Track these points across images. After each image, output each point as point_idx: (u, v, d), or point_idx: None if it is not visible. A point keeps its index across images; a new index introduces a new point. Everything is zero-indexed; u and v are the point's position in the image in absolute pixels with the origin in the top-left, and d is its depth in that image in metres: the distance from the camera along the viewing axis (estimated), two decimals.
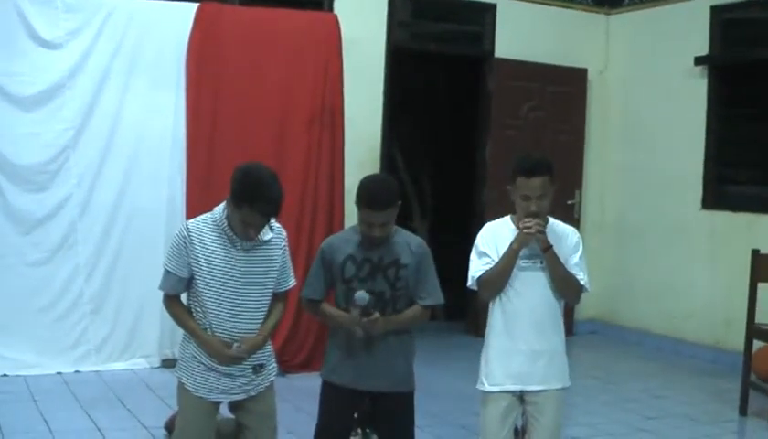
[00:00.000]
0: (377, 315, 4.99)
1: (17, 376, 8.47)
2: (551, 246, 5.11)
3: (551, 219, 5.30)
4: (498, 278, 5.21)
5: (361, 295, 4.97)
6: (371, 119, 10.52)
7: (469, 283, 5.30)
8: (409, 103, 12.52)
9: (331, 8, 10.25)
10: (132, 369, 8.97)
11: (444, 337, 11.00)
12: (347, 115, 9.57)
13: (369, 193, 5.03)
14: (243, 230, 4.92)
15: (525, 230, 5.05)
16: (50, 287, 8.84)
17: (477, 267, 5.25)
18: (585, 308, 11.62)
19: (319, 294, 5.25)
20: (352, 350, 5.13)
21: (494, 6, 11.56)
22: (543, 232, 5.07)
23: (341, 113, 9.51)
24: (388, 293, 5.10)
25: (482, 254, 5.26)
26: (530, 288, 5.21)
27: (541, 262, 5.18)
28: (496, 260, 5.19)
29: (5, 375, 8.46)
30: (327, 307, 5.25)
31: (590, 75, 12.16)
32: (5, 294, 8.59)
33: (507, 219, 5.30)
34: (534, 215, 5.07)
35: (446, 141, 13.51)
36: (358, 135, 9.95)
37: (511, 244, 5.13)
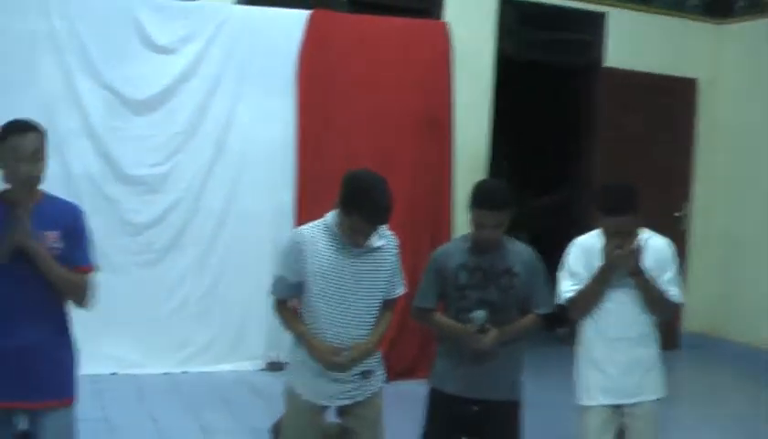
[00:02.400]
0: (494, 331, 5.01)
1: (126, 375, 8.64)
2: (641, 270, 5.12)
3: (646, 232, 5.29)
4: (589, 302, 5.27)
5: (478, 315, 5.01)
6: (478, 128, 10.47)
7: (558, 301, 5.34)
8: (514, 111, 12.45)
9: (440, 16, 10.25)
10: (237, 371, 9.06)
11: (544, 346, 10.92)
12: (454, 123, 9.60)
13: (483, 192, 5.05)
14: (352, 237, 4.93)
15: (615, 255, 5.10)
16: (159, 288, 9.00)
17: (567, 287, 5.31)
18: (691, 322, 11.46)
19: (431, 302, 5.26)
20: (461, 359, 5.15)
21: (603, 15, 11.48)
22: (633, 259, 5.09)
23: (449, 122, 9.53)
24: (499, 301, 5.11)
25: (572, 274, 5.32)
26: (622, 305, 5.26)
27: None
28: (587, 276, 5.24)
29: (114, 373, 8.62)
30: (439, 317, 5.26)
31: (699, 85, 12.02)
32: (114, 294, 8.50)
33: (598, 232, 5.31)
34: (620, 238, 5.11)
35: (551, 150, 13.38)
36: (465, 144, 9.92)
37: (602, 269, 5.17)
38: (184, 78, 9.03)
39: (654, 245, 5.27)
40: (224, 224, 9.18)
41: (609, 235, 5.15)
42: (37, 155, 4.48)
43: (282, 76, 9.22)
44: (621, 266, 5.12)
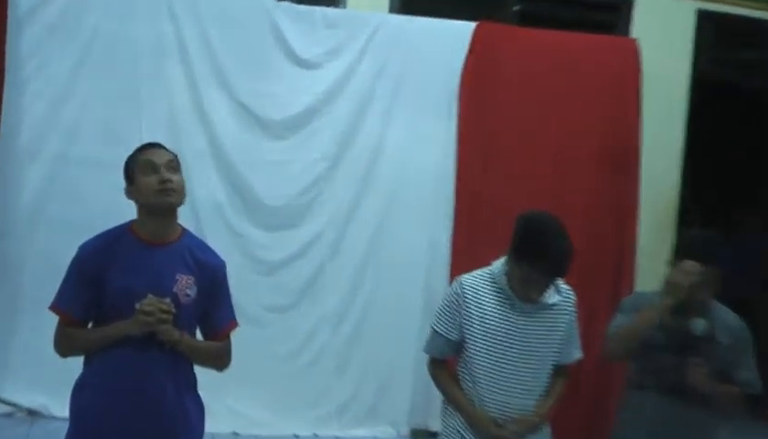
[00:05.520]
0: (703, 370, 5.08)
1: (250, 435, 8.53)
2: None
3: None
4: None
5: (699, 324, 5.15)
6: (668, 161, 10.07)
7: None
8: (705, 141, 11.88)
9: (628, 32, 9.96)
10: (377, 438, 8.93)
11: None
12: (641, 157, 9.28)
13: (695, 244, 5.23)
14: (523, 290, 4.84)
15: None
16: (291, 337, 8.89)
17: None
18: None
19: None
20: (645, 427, 5.34)
21: None
22: None
23: (637, 153, 9.22)
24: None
25: None
26: None
27: None
28: None
29: (235, 433, 8.52)
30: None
31: None
32: (238, 342, 8.58)
33: None
34: None
35: (747, 187, 13.10)
36: (651, 181, 9.51)
37: None
38: (329, 97, 8.91)
39: None
40: (368, 266, 9.03)
41: None
42: (172, 165, 4.58)
43: (442, 96, 9.04)
44: None
